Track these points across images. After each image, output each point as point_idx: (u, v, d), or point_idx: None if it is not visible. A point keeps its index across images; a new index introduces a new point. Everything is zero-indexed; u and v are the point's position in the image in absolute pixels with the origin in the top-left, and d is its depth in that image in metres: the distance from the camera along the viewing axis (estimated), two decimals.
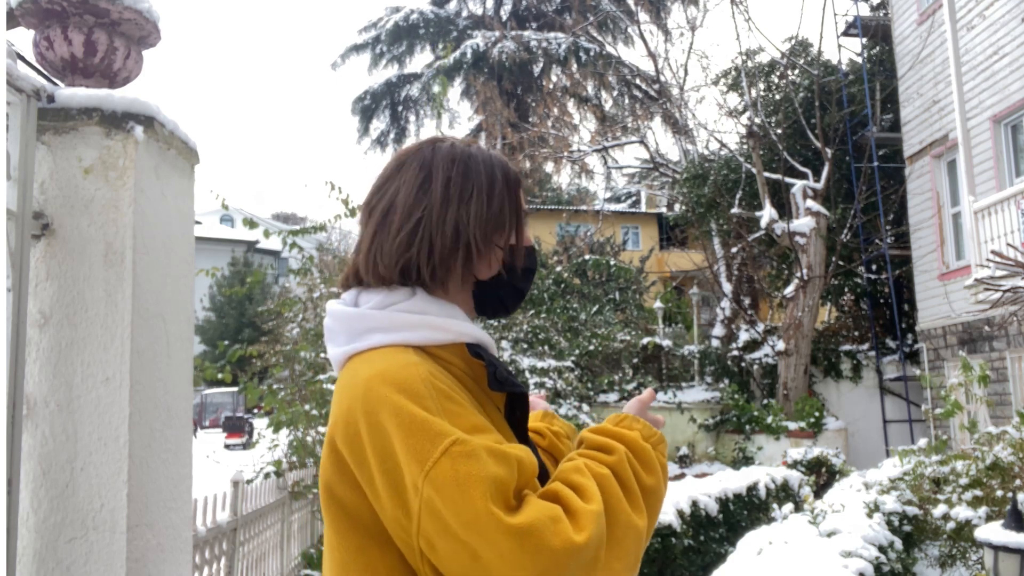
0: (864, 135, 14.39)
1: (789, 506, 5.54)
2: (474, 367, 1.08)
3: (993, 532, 3.96)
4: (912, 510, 5.50)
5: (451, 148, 1.15)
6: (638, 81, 20.92)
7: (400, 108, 23.43)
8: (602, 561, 0.93)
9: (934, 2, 11.91)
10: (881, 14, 15.53)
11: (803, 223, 13.50)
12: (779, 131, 15.18)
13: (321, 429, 6.84)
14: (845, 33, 15.19)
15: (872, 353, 14.27)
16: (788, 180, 14.27)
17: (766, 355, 14.66)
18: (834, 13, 16.72)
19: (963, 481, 5.50)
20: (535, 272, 1.19)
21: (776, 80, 16.48)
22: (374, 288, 1.12)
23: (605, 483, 0.99)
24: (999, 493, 5.25)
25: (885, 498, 5.47)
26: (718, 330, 16.45)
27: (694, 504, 5.39)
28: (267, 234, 6.66)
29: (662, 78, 16.55)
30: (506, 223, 1.13)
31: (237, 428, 23.53)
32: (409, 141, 23.32)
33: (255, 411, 26.48)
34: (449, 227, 1.08)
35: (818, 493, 7.99)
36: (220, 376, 6.50)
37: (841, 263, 14.27)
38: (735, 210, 15.09)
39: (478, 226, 1.10)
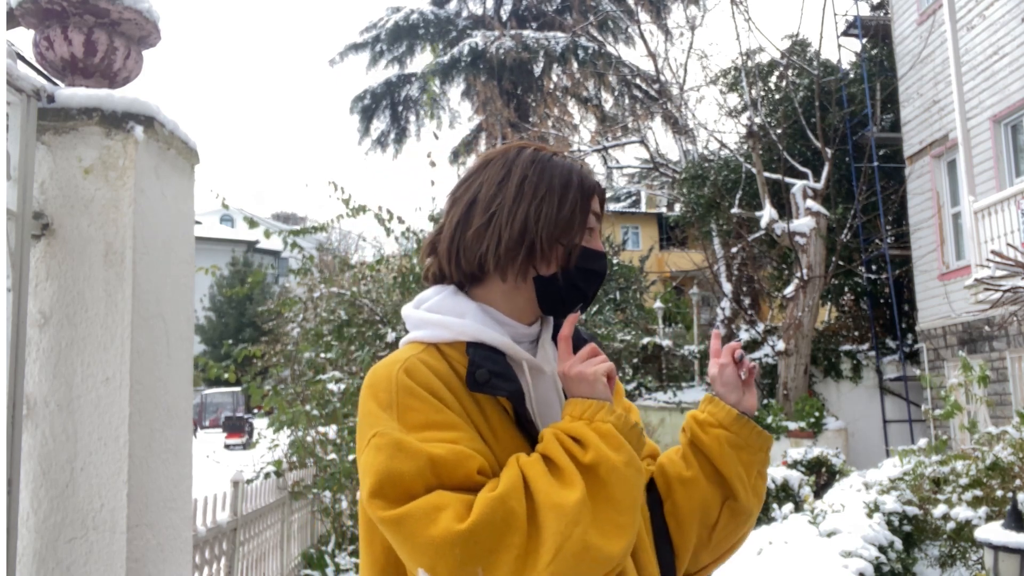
0: (864, 135, 14.39)
1: (789, 506, 5.54)
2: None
3: (993, 532, 3.96)
4: (912, 510, 5.50)
5: (534, 152, 1.20)
6: (638, 81, 20.92)
7: (400, 108, 23.43)
8: (516, 546, 0.92)
9: (934, 2, 11.91)
10: (881, 14, 15.53)
11: (803, 223, 13.50)
12: (779, 131, 15.18)
13: (321, 429, 6.84)
14: (845, 33, 15.19)
15: (872, 353, 14.26)
16: (788, 180, 14.27)
17: (766, 355, 14.66)
18: (834, 13, 16.73)
19: (963, 481, 5.50)
20: (602, 277, 1.20)
21: (776, 80, 16.48)
22: (435, 286, 1.22)
23: (526, 469, 0.99)
24: (999, 493, 5.25)
25: (885, 498, 5.47)
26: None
27: None
28: (267, 234, 6.66)
29: (662, 78, 16.55)
30: (575, 226, 1.15)
31: (237, 428, 23.53)
32: (410, 141, 23.34)
33: (255, 411, 26.49)
34: (518, 222, 1.13)
35: (818, 493, 7.98)
36: (225, 376, 6.51)
37: (841, 263, 14.27)
38: (735, 210, 15.09)
39: (546, 225, 1.13)
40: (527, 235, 1.12)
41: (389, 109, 23.44)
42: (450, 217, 1.19)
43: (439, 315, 1.15)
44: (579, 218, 1.16)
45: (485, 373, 1.07)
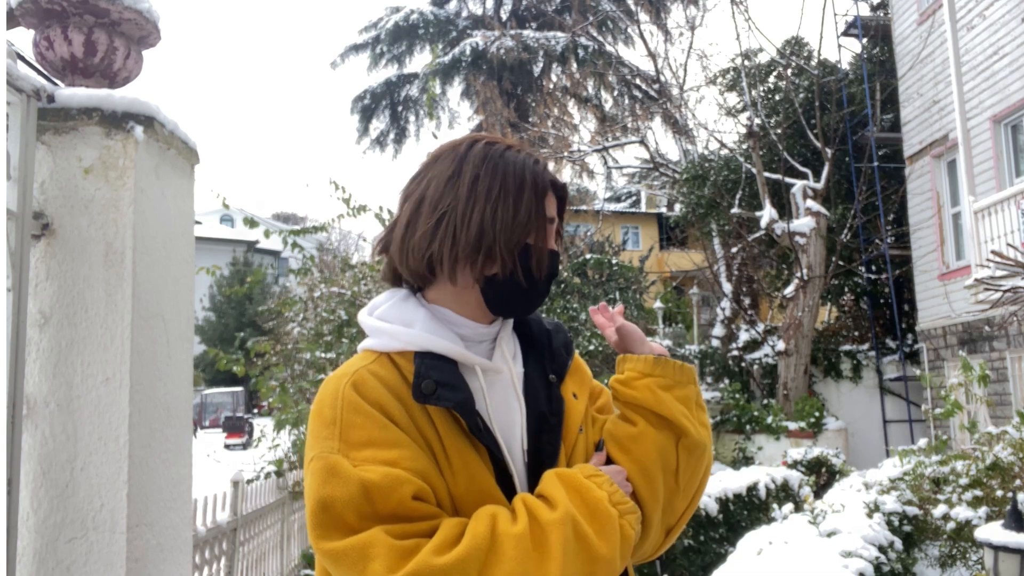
0: (864, 135, 14.39)
1: (789, 506, 5.54)
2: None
3: (993, 532, 3.96)
4: (912, 510, 5.50)
5: (485, 147, 1.16)
6: (638, 81, 20.91)
7: (400, 108, 23.42)
8: None
9: (934, 2, 11.91)
10: (881, 14, 15.53)
11: (803, 223, 13.50)
12: (779, 131, 15.18)
13: None
14: (845, 33, 15.19)
15: (872, 353, 14.27)
16: (788, 180, 14.27)
17: (766, 355, 14.66)
18: (834, 13, 16.72)
19: (963, 481, 5.50)
20: (553, 276, 1.19)
21: (776, 80, 16.48)
22: (389, 289, 1.22)
23: (507, 543, 0.95)
24: (999, 493, 5.25)
25: (885, 498, 5.47)
26: (718, 330, 16.45)
27: None
28: (267, 234, 6.65)
29: (662, 78, 16.55)
30: (531, 229, 1.13)
31: (237, 428, 23.54)
32: (409, 141, 23.36)
33: (255, 411, 26.49)
34: (474, 225, 1.10)
35: (818, 493, 7.99)
36: (234, 369, 6.50)
37: (841, 263, 14.27)
38: (735, 210, 15.09)
39: (503, 229, 1.10)
40: (484, 239, 1.10)
41: (389, 109, 23.44)
42: (401, 215, 1.17)
43: (388, 324, 1.13)
44: (535, 220, 1.13)
45: (431, 384, 1.05)
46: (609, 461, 1.14)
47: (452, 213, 1.11)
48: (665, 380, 1.17)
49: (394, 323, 1.13)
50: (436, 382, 1.06)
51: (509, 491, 1.08)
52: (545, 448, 1.15)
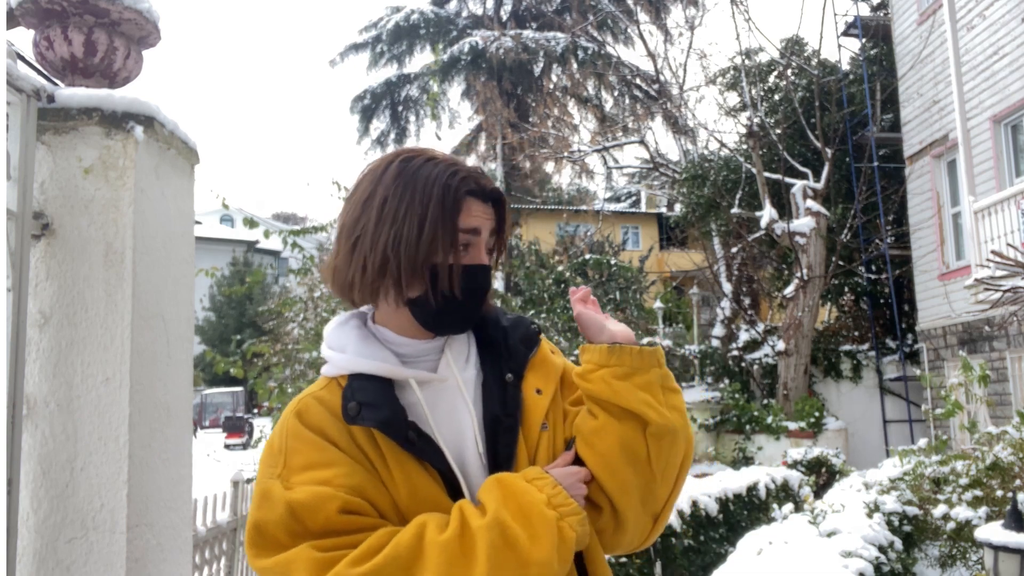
0: (864, 135, 14.39)
1: (789, 506, 5.54)
2: None
3: (993, 532, 3.96)
4: (912, 510, 5.50)
5: (400, 165, 1.15)
6: (638, 81, 20.92)
7: (400, 108, 23.42)
8: None
9: (934, 2, 11.91)
10: (881, 14, 15.54)
11: (803, 223, 13.50)
12: (779, 131, 15.18)
13: None
14: (845, 33, 15.19)
15: (872, 353, 14.27)
16: (788, 180, 14.27)
17: (766, 355, 14.66)
18: (834, 13, 16.74)
19: (963, 481, 5.50)
20: (482, 291, 1.17)
21: (776, 80, 16.48)
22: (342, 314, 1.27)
23: (432, 551, 0.98)
24: (999, 493, 5.25)
25: (885, 498, 5.47)
26: (718, 330, 16.45)
27: (694, 504, 5.39)
28: (267, 234, 6.66)
29: (662, 78, 16.55)
30: (438, 248, 1.11)
31: (237, 428, 23.54)
32: (409, 141, 23.36)
33: (255, 411, 26.49)
34: (379, 250, 1.11)
35: (818, 493, 7.99)
36: (232, 371, 6.51)
37: (841, 263, 14.27)
38: (735, 210, 15.09)
39: (406, 251, 1.10)
40: (388, 264, 1.11)
41: (389, 109, 23.44)
42: (335, 242, 1.21)
43: (328, 350, 1.18)
44: (443, 237, 1.11)
45: (355, 406, 1.09)
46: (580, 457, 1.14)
47: (363, 238, 1.13)
48: (622, 369, 1.13)
49: (332, 349, 1.18)
50: (360, 403, 1.09)
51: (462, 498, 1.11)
52: (502, 451, 1.14)
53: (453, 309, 1.15)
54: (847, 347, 14.60)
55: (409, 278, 1.11)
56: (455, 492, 1.10)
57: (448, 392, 1.17)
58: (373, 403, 1.10)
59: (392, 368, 1.14)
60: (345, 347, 1.17)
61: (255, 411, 26.44)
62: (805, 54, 16.09)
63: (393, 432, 1.08)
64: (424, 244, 1.10)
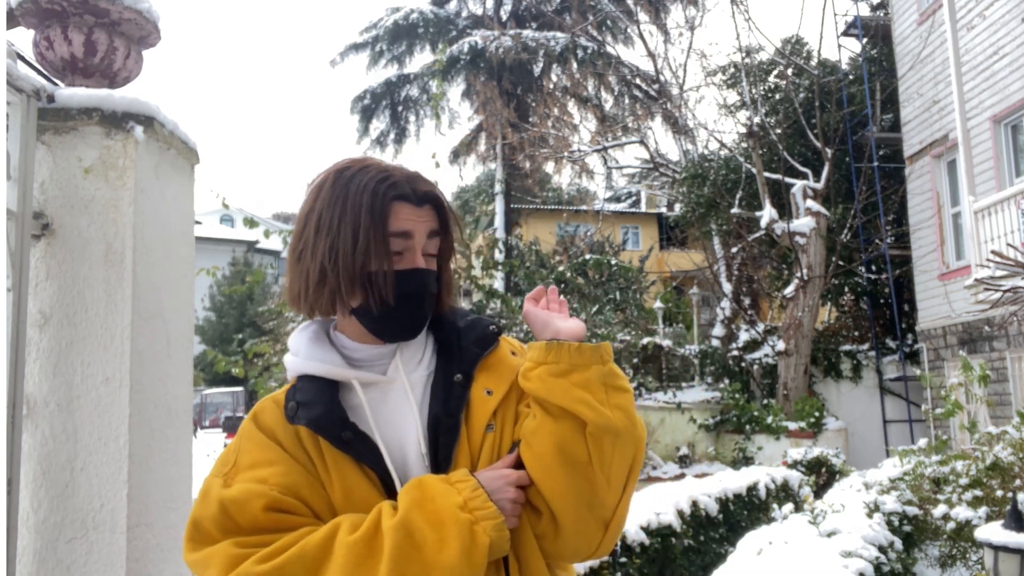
0: (864, 135, 14.39)
1: (789, 506, 5.54)
2: None
3: (993, 532, 3.96)
4: (912, 510, 5.50)
5: (337, 175, 1.18)
6: (638, 81, 20.91)
7: (400, 108, 23.42)
8: None
9: (934, 2, 11.91)
10: (881, 14, 15.53)
11: (803, 223, 13.50)
12: (779, 131, 15.18)
13: None
14: (845, 33, 15.19)
15: (872, 353, 14.27)
16: (788, 180, 14.28)
17: (766, 355, 14.66)
18: (834, 13, 16.73)
19: (963, 481, 5.50)
20: (419, 296, 1.17)
21: (775, 79, 16.49)
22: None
23: (340, 550, 1.00)
24: (999, 493, 5.25)
25: (885, 498, 5.47)
26: (718, 330, 16.45)
27: (694, 504, 5.39)
28: (267, 234, 6.65)
29: (662, 78, 16.55)
30: (371, 256, 1.12)
31: (237, 428, 23.51)
32: (409, 141, 23.34)
33: None
34: (317, 263, 1.14)
35: (818, 493, 7.99)
36: (234, 371, 6.51)
37: (841, 263, 14.27)
38: (735, 210, 15.09)
39: (342, 262, 1.12)
40: (327, 275, 1.13)
41: (389, 109, 23.43)
42: None
43: (287, 355, 1.23)
44: (375, 245, 1.11)
45: (294, 406, 1.14)
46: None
47: (305, 251, 1.16)
48: (559, 366, 1.10)
49: (289, 354, 1.22)
50: (297, 403, 1.14)
51: None
52: (441, 452, 1.14)
53: (394, 316, 1.15)
54: (847, 347, 14.60)
55: (349, 288, 1.13)
56: (393, 494, 1.10)
57: (395, 394, 1.18)
58: (309, 402, 1.13)
59: (334, 369, 1.16)
60: (298, 351, 1.20)
61: None
62: (805, 54, 16.09)
63: (325, 431, 1.11)
64: (359, 253, 1.11)
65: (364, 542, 1.00)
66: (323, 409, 1.12)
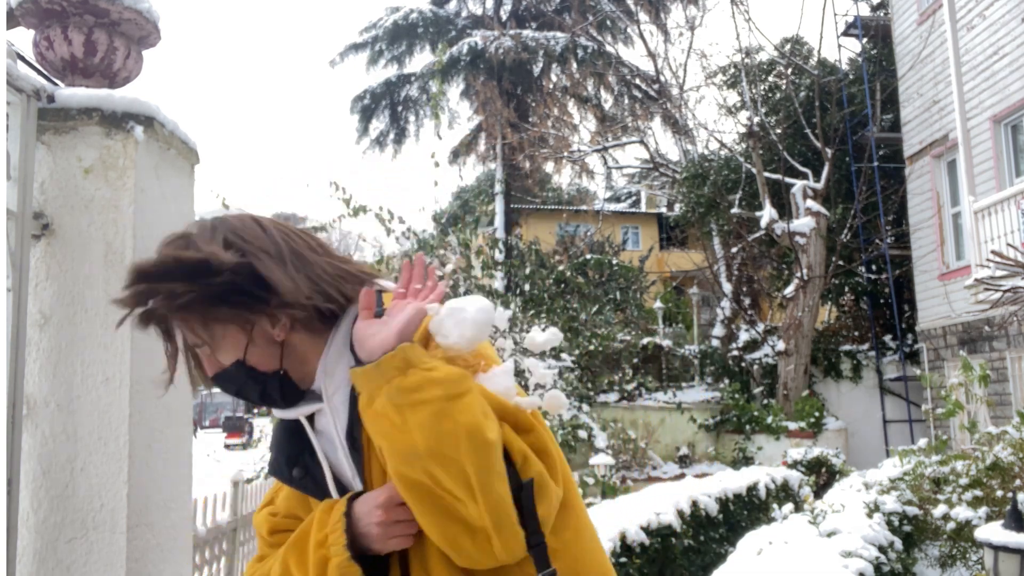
0: (864, 135, 14.40)
1: (789, 506, 5.54)
2: None
3: (993, 532, 3.96)
4: (912, 510, 5.50)
5: None
6: (638, 81, 20.91)
7: (400, 108, 23.40)
8: None
9: (934, 2, 11.91)
10: (881, 14, 15.54)
11: (803, 223, 13.50)
12: (779, 131, 15.19)
13: None
14: (845, 33, 15.19)
15: (872, 353, 14.27)
16: (788, 180, 14.28)
17: (766, 355, 14.66)
18: (834, 13, 16.74)
19: (963, 481, 5.50)
20: (236, 390, 1.25)
21: (775, 79, 16.49)
22: None
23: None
24: (999, 493, 5.25)
25: (885, 498, 5.47)
26: (718, 330, 16.46)
27: (694, 504, 5.39)
28: None
29: (662, 78, 16.55)
30: (194, 379, 1.24)
31: (237, 428, 23.56)
32: (409, 141, 23.34)
33: (255, 411, 26.49)
34: None
35: (818, 493, 7.99)
36: None
37: (841, 263, 14.27)
38: (735, 210, 15.09)
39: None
40: None
41: (388, 109, 23.42)
42: None
43: None
44: (166, 351, 1.20)
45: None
46: None
47: None
48: (363, 398, 1.05)
49: None
50: (270, 450, 1.29)
51: None
52: (358, 471, 1.15)
53: (253, 398, 1.22)
54: (847, 347, 14.61)
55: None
56: None
57: (328, 419, 1.19)
58: (272, 447, 1.26)
59: (281, 411, 1.23)
60: None
61: (255, 411, 26.43)
62: (805, 54, 16.09)
63: (276, 474, 1.24)
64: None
65: (271, 570, 1.17)
66: (274, 454, 1.24)
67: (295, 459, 1.20)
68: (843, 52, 21.97)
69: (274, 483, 1.30)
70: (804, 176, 14.31)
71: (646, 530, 4.50)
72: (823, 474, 9.51)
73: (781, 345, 13.67)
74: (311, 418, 1.20)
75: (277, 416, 1.23)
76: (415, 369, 1.03)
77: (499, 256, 14.22)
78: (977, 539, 4.09)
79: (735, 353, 15.12)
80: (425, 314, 1.10)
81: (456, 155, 22.99)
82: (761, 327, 15.51)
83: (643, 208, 28.81)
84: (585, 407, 12.36)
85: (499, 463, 1.02)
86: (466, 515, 1.00)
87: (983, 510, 5.12)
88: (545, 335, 1.19)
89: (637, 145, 17.88)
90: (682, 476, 10.35)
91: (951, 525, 5.19)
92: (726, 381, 14.37)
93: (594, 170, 21.75)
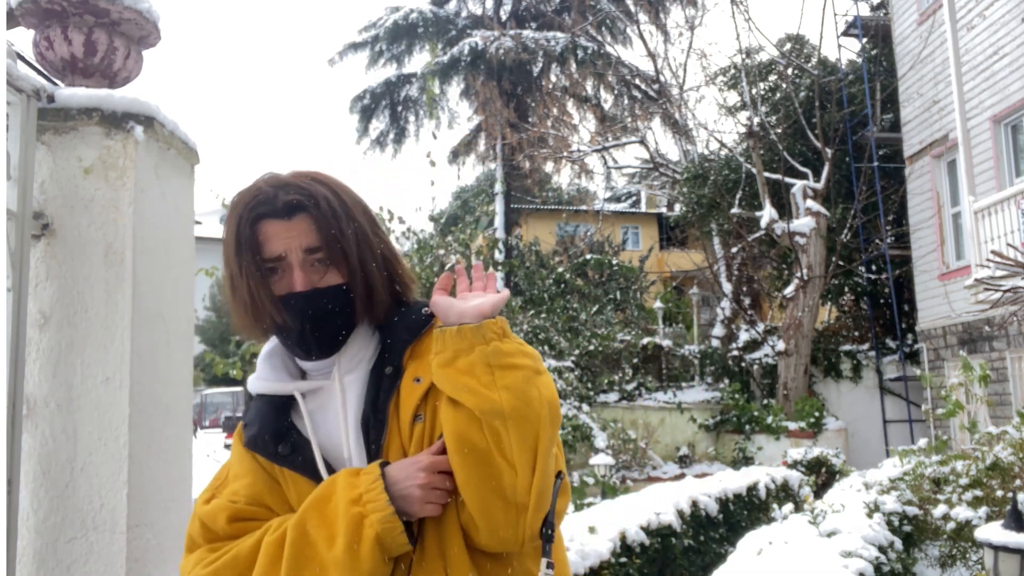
0: (864, 135, 14.39)
1: (789, 506, 5.54)
2: None
3: (993, 532, 3.95)
4: (912, 510, 5.50)
5: (230, 210, 1.25)
6: (638, 81, 20.90)
7: (400, 108, 23.39)
8: None
9: (934, 2, 11.91)
10: (881, 14, 15.53)
11: (803, 223, 13.50)
12: (779, 131, 15.18)
13: None
14: (845, 33, 15.19)
15: (872, 353, 14.27)
16: (788, 180, 14.28)
17: (766, 355, 14.66)
18: (834, 13, 16.74)
19: (963, 481, 5.50)
20: (303, 311, 1.17)
21: (776, 80, 16.48)
22: None
23: (264, 550, 1.09)
24: (999, 493, 5.25)
25: (885, 498, 5.47)
26: (718, 330, 16.45)
27: (694, 504, 5.38)
28: None
29: (662, 78, 16.55)
30: (245, 288, 1.17)
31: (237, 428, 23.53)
32: (409, 141, 23.34)
33: None
34: (235, 305, 1.25)
35: (818, 493, 7.99)
36: (232, 373, 6.52)
37: (841, 263, 14.27)
38: (735, 210, 15.09)
39: (247, 305, 1.20)
40: (244, 316, 1.20)
41: (388, 109, 23.41)
42: None
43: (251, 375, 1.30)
44: (250, 277, 1.16)
45: (246, 427, 1.23)
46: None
47: (229, 293, 1.23)
48: (445, 355, 1.09)
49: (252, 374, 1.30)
50: (245, 423, 1.23)
51: None
52: (372, 447, 1.16)
53: (303, 335, 1.17)
54: (847, 347, 14.60)
55: (262, 323, 1.19)
56: None
57: (332, 398, 1.20)
58: (251, 422, 1.22)
59: (275, 385, 1.22)
60: (256, 372, 1.27)
61: None
62: (805, 53, 16.09)
63: (259, 449, 1.19)
64: (242, 287, 1.16)
65: (277, 543, 1.07)
66: (258, 428, 1.20)
67: (281, 435, 1.18)
68: (843, 52, 21.98)
69: (214, 477, 1.24)
70: (804, 176, 14.31)
71: (646, 530, 4.50)
72: (823, 474, 9.51)
73: (781, 345, 13.66)
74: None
75: (266, 391, 1.22)
76: (510, 339, 1.11)
77: (499, 256, 14.21)
78: (977, 539, 4.09)
79: (735, 353, 15.12)
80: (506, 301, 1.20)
81: (456, 155, 22.99)
82: (761, 327, 15.51)
83: (643, 208, 28.81)
84: (585, 407, 12.37)
85: (558, 445, 1.12)
86: (510, 487, 1.05)
87: (983, 510, 5.12)
88: None
89: (637, 145, 17.88)
90: (682, 476, 10.35)
91: (951, 525, 5.19)
92: (726, 381, 14.37)
93: (594, 170, 21.75)
